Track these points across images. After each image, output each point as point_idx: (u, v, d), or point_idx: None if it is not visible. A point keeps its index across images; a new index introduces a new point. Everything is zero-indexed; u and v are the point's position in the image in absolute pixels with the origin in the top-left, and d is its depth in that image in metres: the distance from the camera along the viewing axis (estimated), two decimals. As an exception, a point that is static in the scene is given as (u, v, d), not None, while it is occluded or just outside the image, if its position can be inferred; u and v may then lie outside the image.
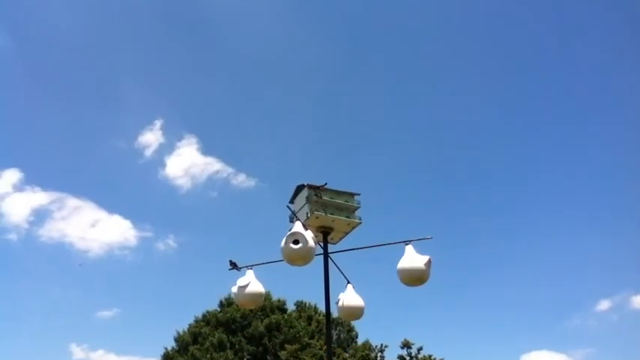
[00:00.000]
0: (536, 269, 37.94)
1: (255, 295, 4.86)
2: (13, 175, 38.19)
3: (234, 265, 5.07)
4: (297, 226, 4.50)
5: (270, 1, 38.77)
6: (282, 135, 42.60)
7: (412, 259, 4.58)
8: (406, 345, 18.94)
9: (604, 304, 38.27)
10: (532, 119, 39.79)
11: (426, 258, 4.55)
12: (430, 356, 18.88)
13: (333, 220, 4.96)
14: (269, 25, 39.93)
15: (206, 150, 40.25)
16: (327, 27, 41.01)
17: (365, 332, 23.69)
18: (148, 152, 37.46)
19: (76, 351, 33.51)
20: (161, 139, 38.51)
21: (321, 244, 4.99)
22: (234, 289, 4.88)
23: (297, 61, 41.24)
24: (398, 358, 19.20)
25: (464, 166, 41.05)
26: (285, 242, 4.41)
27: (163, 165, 40.90)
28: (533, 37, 38.86)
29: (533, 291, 36.99)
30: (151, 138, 39.12)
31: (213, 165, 39.79)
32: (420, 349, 18.88)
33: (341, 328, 24.15)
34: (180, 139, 42.10)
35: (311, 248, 4.41)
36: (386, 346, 20.09)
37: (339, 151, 41.35)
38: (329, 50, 41.19)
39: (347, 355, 21.93)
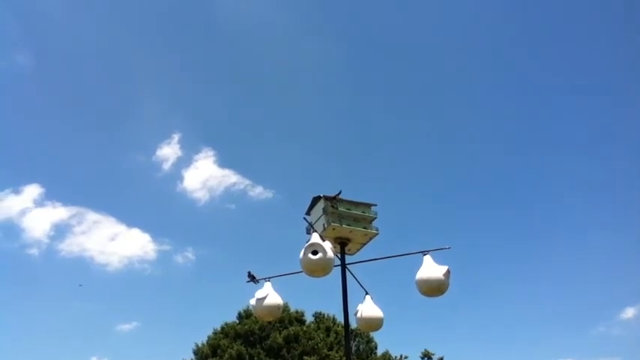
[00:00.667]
0: (560, 277, 37.36)
1: (273, 307, 4.86)
2: (33, 191, 38.76)
3: (252, 278, 5.08)
4: (315, 237, 4.50)
5: (288, 15, 39.10)
6: (299, 147, 42.69)
7: (431, 269, 4.56)
8: (426, 355, 18.80)
9: (629, 312, 37.55)
10: (554, 128, 39.37)
11: (444, 268, 4.52)
12: (451, 367, 18.68)
13: (350, 231, 4.96)
14: (286, 39, 40.26)
15: (223, 162, 40.48)
16: (345, 40, 41.19)
17: (384, 343, 23.50)
18: (166, 166, 37.77)
19: (97, 364, 33.80)
20: (179, 153, 38.83)
21: (339, 255, 4.98)
22: (253, 301, 4.89)
23: (314, 74, 41.41)
24: (418, 369, 19.05)
25: (483, 176, 40.71)
26: (304, 253, 4.41)
27: (181, 178, 41.20)
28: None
29: (556, 299, 36.42)
30: (169, 151, 39.42)
31: (230, 177, 39.95)
32: (440, 360, 18.71)
33: (360, 339, 23.97)
34: (197, 152, 42.41)
35: (330, 259, 4.40)
36: (406, 357, 19.98)
37: (356, 161, 41.32)
38: (346, 62, 41.30)
39: (366, 366, 21.77)
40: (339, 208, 4.96)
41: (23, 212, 38.15)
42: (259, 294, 4.87)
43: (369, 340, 23.99)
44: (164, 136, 44.55)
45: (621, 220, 37.27)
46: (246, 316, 23.64)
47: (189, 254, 37.41)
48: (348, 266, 4.98)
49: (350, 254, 5.12)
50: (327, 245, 4.44)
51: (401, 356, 20.13)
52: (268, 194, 37.90)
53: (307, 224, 5.04)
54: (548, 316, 35.01)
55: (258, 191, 38.10)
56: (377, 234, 5.06)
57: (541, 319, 34.82)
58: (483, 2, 38.00)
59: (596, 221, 38.33)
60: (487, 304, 36.44)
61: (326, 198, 5.01)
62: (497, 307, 35.95)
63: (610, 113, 38.00)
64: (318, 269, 4.40)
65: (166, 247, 38.46)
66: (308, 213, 5.21)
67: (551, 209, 39.31)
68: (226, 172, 39.01)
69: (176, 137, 39.34)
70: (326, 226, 4.89)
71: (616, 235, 37.13)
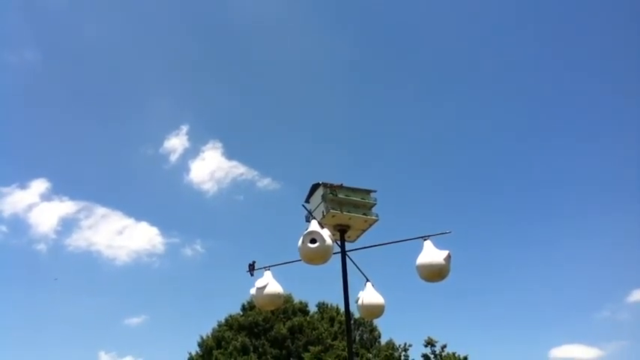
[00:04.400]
0: (563, 260, 37.28)
1: (274, 296, 4.82)
2: (40, 185, 38.69)
3: (251, 268, 5.03)
4: (314, 225, 4.47)
5: (295, 9, 38.86)
6: (306, 137, 42.54)
7: (431, 254, 4.53)
8: (430, 343, 18.79)
9: (636, 295, 37.45)
10: (554, 114, 39.17)
11: (445, 253, 4.49)
12: (454, 354, 18.71)
13: (349, 218, 4.90)
14: (292, 31, 40.08)
15: (231, 154, 40.26)
16: (347, 32, 41.02)
17: (388, 332, 23.59)
18: (174, 157, 37.65)
19: (105, 358, 33.99)
20: (186, 144, 38.68)
21: (339, 242, 4.94)
22: (253, 291, 4.85)
23: (321, 65, 41.24)
24: (422, 356, 19.08)
25: (483, 159, 40.61)
26: (302, 242, 4.38)
27: (189, 170, 41.09)
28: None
29: (560, 283, 36.38)
30: (177, 143, 39.18)
31: (238, 169, 39.74)
32: (443, 347, 18.73)
33: (363, 329, 24.06)
34: (205, 143, 42.28)
35: (328, 247, 4.37)
36: (410, 345, 19.98)
37: (359, 148, 41.19)
38: (349, 53, 41.10)
39: (370, 355, 21.84)
40: (338, 195, 4.92)
41: (30, 207, 38.22)
42: (259, 283, 4.83)
43: (373, 329, 24.08)
44: (172, 128, 44.39)
45: (627, 199, 36.96)
46: (250, 307, 23.71)
47: (198, 247, 37.40)
48: (348, 253, 4.93)
49: (350, 241, 5.07)
50: (326, 233, 4.40)
51: (405, 344, 20.15)
52: (276, 185, 37.80)
53: (306, 212, 5.00)
54: (552, 301, 35.04)
55: (266, 182, 37.99)
56: (377, 220, 5.00)
57: (545, 303, 34.83)
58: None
59: (601, 202, 38.12)
60: (490, 289, 36.50)
61: (325, 185, 4.96)
62: (500, 292, 36.01)
63: (614, 101, 37.79)
64: (317, 257, 4.36)
65: (175, 240, 38.48)
66: (307, 201, 5.16)
67: (553, 191, 39.16)
68: (234, 163, 38.93)
69: (184, 129, 39.21)
70: (325, 213, 4.83)
71: (621, 213, 36.86)
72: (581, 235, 37.99)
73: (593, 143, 38.21)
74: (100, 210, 36.65)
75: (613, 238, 36.99)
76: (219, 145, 38.93)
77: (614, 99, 37.79)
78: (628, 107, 35.87)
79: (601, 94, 38.10)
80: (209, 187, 38.19)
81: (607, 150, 37.35)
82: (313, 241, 4.33)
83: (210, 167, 39.23)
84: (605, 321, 33.90)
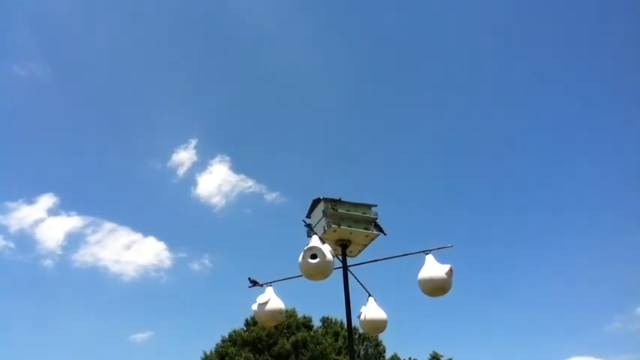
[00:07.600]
0: (572, 271, 36.88)
1: (276, 312, 4.81)
2: (48, 200, 38.44)
3: (254, 283, 5.03)
4: (314, 241, 4.47)
5: (302, 23, 39.02)
6: (313, 151, 42.50)
7: (433, 268, 4.52)
8: (435, 357, 18.68)
9: (646, 307, 37.03)
10: (562, 115, 39.00)
11: (447, 267, 4.48)
12: (460, 368, 18.56)
13: (350, 233, 4.89)
14: (301, 46, 40.19)
15: (238, 168, 40.18)
16: (356, 46, 41.22)
17: (393, 346, 23.36)
18: (181, 171, 37.61)
19: (111, 374, 33.58)
20: (194, 158, 38.59)
21: (340, 257, 4.93)
22: (254, 307, 4.84)
23: (328, 80, 41.33)
24: (427, 371, 18.94)
25: (486, 171, 40.48)
26: (303, 257, 4.37)
27: (196, 184, 40.91)
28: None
29: (569, 294, 36.02)
30: (185, 157, 39.10)
31: (245, 182, 39.67)
32: (449, 361, 18.59)
33: (368, 343, 23.86)
34: (212, 157, 42.23)
35: (329, 262, 4.36)
36: (415, 360, 19.83)
37: (364, 161, 41.11)
38: (358, 68, 41.22)
39: (375, 370, 21.66)
40: (339, 210, 4.92)
41: (37, 222, 38.07)
42: (261, 299, 4.82)
43: (378, 344, 23.88)
44: (181, 142, 44.37)
45: (636, 210, 36.61)
46: (253, 322, 23.56)
47: (206, 261, 37.24)
48: (349, 268, 4.92)
49: (351, 256, 5.06)
50: (327, 248, 4.39)
51: (409, 358, 20.02)
52: (284, 199, 37.66)
53: (307, 227, 4.99)
54: (562, 313, 34.61)
55: (274, 196, 37.90)
56: (378, 235, 4.99)
57: (555, 315, 34.47)
58: (490, 3, 37.83)
59: (612, 214, 37.73)
60: (497, 301, 36.16)
61: (326, 200, 4.96)
62: (507, 304, 35.57)
63: (612, 111, 37.72)
64: (317, 273, 4.35)
65: (182, 255, 38.23)
66: (308, 216, 5.16)
67: (561, 203, 38.83)
68: (241, 176, 38.88)
69: (193, 142, 39.15)
70: (326, 228, 4.82)
71: (630, 224, 36.51)
72: (591, 246, 37.65)
73: (603, 154, 38.03)
74: (108, 225, 36.44)
75: (623, 250, 36.67)
76: (227, 158, 38.94)
77: (615, 112, 37.72)
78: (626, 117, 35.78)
79: (604, 110, 38.06)
80: (217, 200, 38.12)
81: (620, 162, 37.09)
82: (314, 256, 4.33)
83: (218, 181, 39.28)
84: (616, 333, 33.57)
